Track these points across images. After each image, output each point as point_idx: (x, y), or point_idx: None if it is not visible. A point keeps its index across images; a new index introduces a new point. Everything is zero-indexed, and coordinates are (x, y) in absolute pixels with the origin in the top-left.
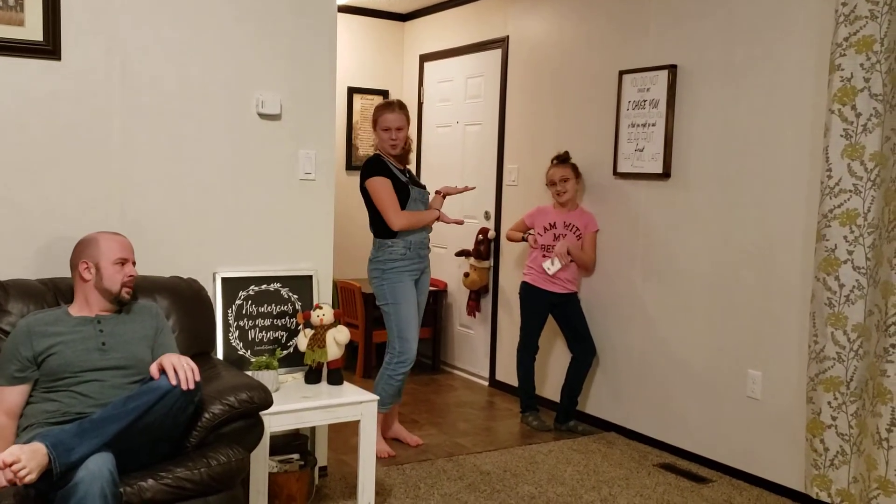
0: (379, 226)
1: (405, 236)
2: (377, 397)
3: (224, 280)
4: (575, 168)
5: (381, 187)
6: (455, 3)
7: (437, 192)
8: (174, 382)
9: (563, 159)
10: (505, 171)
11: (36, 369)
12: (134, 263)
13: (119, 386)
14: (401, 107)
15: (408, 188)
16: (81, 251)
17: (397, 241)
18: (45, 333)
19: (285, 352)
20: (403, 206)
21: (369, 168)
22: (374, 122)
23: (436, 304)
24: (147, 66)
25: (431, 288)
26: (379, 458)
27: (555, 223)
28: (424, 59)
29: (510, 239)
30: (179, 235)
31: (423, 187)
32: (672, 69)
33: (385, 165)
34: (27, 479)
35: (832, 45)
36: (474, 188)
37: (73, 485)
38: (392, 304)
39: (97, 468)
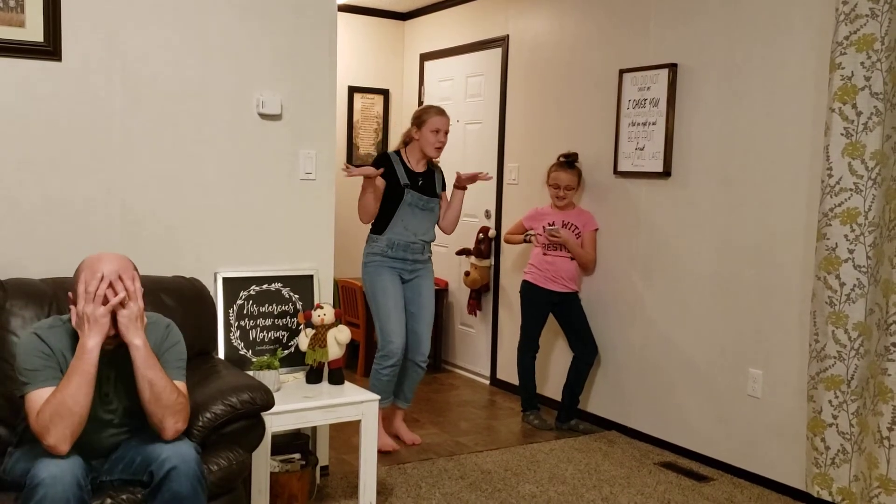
0: (375, 220)
1: (390, 235)
2: (378, 396)
3: (225, 280)
4: (580, 174)
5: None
6: (455, 2)
7: (456, 187)
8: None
9: (571, 162)
10: (505, 170)
11: (61, 366)
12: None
13: (114, 442)
14: (446, 113)
15: (403, 191)
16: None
17: (381, 237)
18: (50, 343)
19: (286, 351)
20: (395, 208)
21: (376, 159)
22: (420, 122)
23: (437, 303)
24: (147, 66)
25: None
26: (381, 452)
27: (553, 223)
28: (425, 57)
29: (509, 242)
30: (180, 235)
31: (437, 196)
32: (672, 68)
33: (389, 163)
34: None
35: (833, 44)
36: (490, 177)
37: (33, 486)
38: (371, 297)
39: (60, 471)
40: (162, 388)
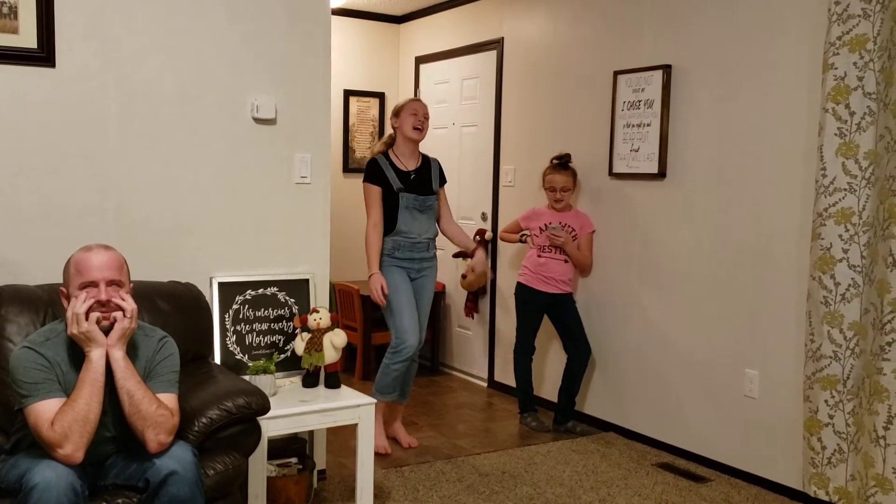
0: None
1: (394, 236)
2: (374, 401)
3: (221, 285)
4: (574, 174)
5: (368, 194)
6: (450, 5)
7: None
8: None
9: (564, 164)
10: (501, 172)
11: (59, 377)
12: (118, 284)
13: (109, 450)
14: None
15: (398, 196)
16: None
17: (387, 238)
18: (47, 356)
19: (283, 356)
20: (395, 213)
21: (366, 171)
22: (399, 110)
23: (434, 306)
24: (141, 71)
25: None
26: (375, 454)
27: (551, 223)
28: (420, 60)
29: (504, 240)
30: (176, 240)
31: (434, 193)
32: (666, 69)
33: (379, 171)
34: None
35: (825, 44)
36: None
37: (28, 491)
38: (386, 296)
39: (55, 476)
40: (140, 399)
